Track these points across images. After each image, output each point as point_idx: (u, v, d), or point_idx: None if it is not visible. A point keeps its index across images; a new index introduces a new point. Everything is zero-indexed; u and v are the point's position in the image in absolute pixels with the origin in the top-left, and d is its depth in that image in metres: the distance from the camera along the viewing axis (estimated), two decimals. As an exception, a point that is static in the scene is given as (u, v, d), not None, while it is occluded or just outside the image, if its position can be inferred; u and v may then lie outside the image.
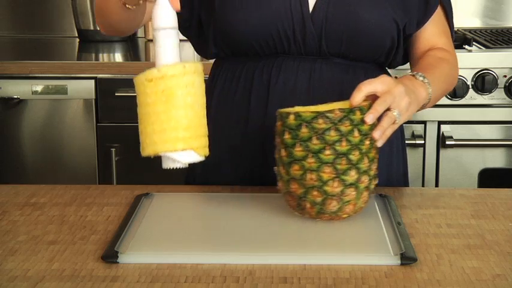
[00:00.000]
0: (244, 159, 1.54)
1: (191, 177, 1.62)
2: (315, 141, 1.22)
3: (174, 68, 1.16)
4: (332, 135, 1.22)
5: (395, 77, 1.48)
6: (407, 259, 1.13)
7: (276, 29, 1.47)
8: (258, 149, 1.53)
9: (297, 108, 1.26)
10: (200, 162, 1.25)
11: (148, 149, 1.18)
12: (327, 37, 1.48)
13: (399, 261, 1.13)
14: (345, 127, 1.22)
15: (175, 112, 1.16)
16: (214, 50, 1.55)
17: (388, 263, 1.13)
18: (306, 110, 1.24)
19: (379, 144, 1.27)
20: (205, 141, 1.20)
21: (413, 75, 1.41)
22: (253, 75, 1.52)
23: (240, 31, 1.48)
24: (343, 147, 1.22)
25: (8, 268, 1.13)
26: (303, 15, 1.47)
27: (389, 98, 1.27)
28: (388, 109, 1.27)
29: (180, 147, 1.16)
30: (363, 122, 1.23)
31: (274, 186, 1.44)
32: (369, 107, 1.26)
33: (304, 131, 1.22)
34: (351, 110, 1.23)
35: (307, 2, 1.47)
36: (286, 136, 1.24)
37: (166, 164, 1.19)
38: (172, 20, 1.21)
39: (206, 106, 1.48)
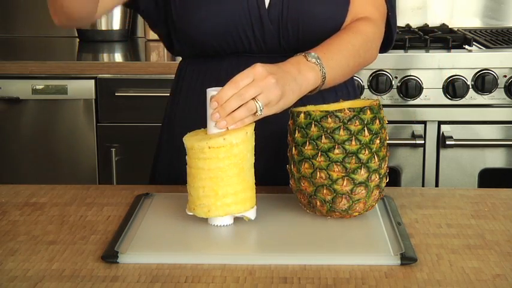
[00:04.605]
0: None
1: (157, 175, 1.65)
2: (324, 140, 1.23)
3: (237, 136, 1.22)
4: (341, 134, 1.23)
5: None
6: (407, 259, 1.13)
7: (235, 28, 1.47)
8: None
9: (309, 107, 1.27)
10: (165, 163, 1.47)
11: (218, 211, 1.23)
12: (284, 34, 1.48)
13: (399, 261, 1.13)
14: (354, 126, 1.23)
15: (244, 175, 1.24)
16: (178, 47, 1.56)
17: (388, 263, 1.13)
18: (317, 109, 1.26)
19: (230, 127, 1.22)
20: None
21: (305, 56, 1.35)
22: (219, 75, 1.52)
23: (200, 33, 1.48)
24: (352, 146, 1.23)
25: (8, 268, 1.13)
26: (260, 12, 1.47)
27: (250, 91, 1.22)
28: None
29: (249, 207, 1.26)
30: (372, 121, 1.24)
31: (274, 186, 1.45)
32: (379, 106, 1.26)
33: (313, 129, 1.24)
34: (361, 109, 1.24)
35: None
36: (297, 135, 1.26)
37: (214, 222, 1.26)
38: None
39: (173, 106, 1.52)
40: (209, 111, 1.23)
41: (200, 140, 1.22)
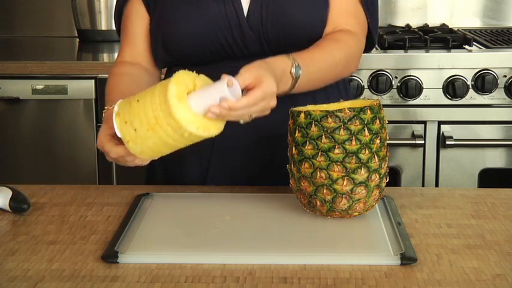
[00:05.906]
0: (195, 157, 1.55)
1: (151, 175, 1.65)
2: (324, 139, 1.23)
3: (215, 132, 1.22)
4: (341, 134, 1.23)
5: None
6: (407, 259, 1.14)
7: (216, 36, 1.49)
8: (208, 149, 1.54)
9: (309, 107, 1.28)
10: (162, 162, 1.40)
11: (147, 159, 1.27)
12: (266, 38, 1.50)
13: (399, 261, 1.13)
14: (354, 126, 1.23)
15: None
16: (162, 59, 1.56)
17: (388, 263, 1.13)
18: (317, 108, 1.26)
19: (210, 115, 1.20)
20: None
21: (292, 65, 1.35)
22: None
23: (182, 43, 1.50)
24: (352, 146, 1.23)
25: (8, 268, 1.13)
26: (239, 20, 1.49)
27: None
28: None
29: None
30: (373, 121, 1.24)
31: (274, 186, 1.45)
32: (379, 106, 1.26)
33: (314, 129, 1.24)
34: (361, 109, 1.24)
35: (242, 7, 1.49)
36: (297, 134, 1.26)
37: None
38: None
39: None
40: (212, 96, 1.18)
41: (188, 121, 1.17)
